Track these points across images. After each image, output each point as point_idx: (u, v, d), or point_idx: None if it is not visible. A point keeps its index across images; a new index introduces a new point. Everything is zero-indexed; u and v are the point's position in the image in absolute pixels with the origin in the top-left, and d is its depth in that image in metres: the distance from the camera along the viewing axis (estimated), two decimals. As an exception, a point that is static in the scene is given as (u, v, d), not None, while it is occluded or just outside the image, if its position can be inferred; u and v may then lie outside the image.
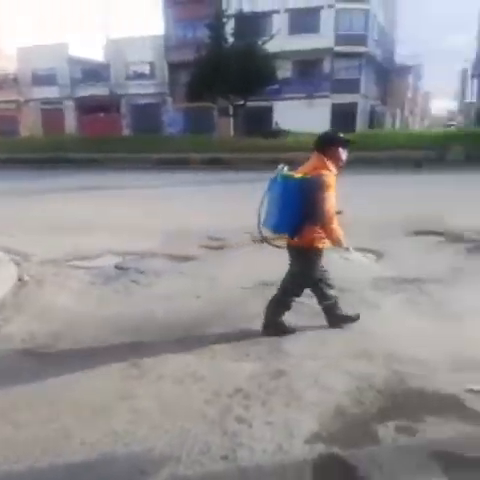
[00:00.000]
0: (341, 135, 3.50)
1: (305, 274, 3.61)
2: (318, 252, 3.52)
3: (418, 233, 7.14)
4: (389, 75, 39.52)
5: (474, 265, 5.55)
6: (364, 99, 33.16)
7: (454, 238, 6.74)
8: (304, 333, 3.76)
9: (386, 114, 41.11)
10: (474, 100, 39.44)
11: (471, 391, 2.87)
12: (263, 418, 2.70)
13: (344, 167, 3.54)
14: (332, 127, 28.59)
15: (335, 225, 3.37)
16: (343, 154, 3.45)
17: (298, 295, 3.72)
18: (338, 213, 3.58)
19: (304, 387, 2.99)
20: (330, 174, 3.33)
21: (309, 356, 3.39)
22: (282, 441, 2.50)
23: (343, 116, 30.18)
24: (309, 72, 32.84)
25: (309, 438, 2.52)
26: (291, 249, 3.58)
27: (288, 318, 3.78)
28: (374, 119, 35.40)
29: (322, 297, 3.74)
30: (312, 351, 3.47)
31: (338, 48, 31.42)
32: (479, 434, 2.51)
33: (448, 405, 2.76)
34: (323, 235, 3.42)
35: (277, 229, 3.42)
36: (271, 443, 2.49)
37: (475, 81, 38.81)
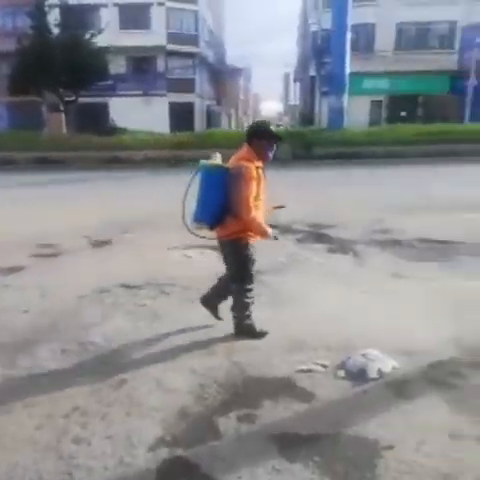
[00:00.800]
0: (271, 129, 3.37)
1: (239, 267, 3.48)
2: (245, 245, 3.40)
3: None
4: (222, 76, 41.18)
5: (304, 254, 6.05)
6: (200, 99, 34.04)
7: (285, 230, 7.26)
8: (145, 337, 3.66)
9: (222, 114, 42.82)
10: (298, 102, 43.39)
11: (301, 371, 3.10)
12: (103, 433, 2.54)
13: (270, 161, 3.41)
14: (171, 126, 28.81)
15: (253, 216, 3.25)
16: (269, 149, 3.34)
17: (248, 288, 3.55)
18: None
19: (146, 393, 2.90)
20: (251, 165, 3.23)
21: (151, 360, 3.30)
22: (124, 454, 2.38)
23: (181, 115, 30.61)
24: (144, 69, 32.55)
25: (152, 445, 2.44)
26: (220, 243, 3.51)
27: (124, 323, 3.64)
28: (211, 119, 36.58)
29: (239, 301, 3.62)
30: (154, 354, 3.39)
31: (171, 47, 31.72)
32: (309, 411, 2.71)
33: (282, 387, 2.94)
34: (249, 227, 3.32)
35: (197, 219, 3.27)
36: (112, 458, 2.35)
37: (298, 85, 42.72)
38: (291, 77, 32.50)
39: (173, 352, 3.42)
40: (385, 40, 27.54)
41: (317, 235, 7.09)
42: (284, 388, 2.93)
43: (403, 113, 26.95)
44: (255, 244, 3.50)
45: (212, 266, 4.81)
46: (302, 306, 4.24)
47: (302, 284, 4.85)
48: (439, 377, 3.01)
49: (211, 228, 3.35)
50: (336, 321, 3.86)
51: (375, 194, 10.42)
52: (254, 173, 3.23)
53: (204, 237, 3.51)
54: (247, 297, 3.55)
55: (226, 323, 3.75)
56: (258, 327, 3.63)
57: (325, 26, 23.85)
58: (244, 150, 3.34)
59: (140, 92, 31.08)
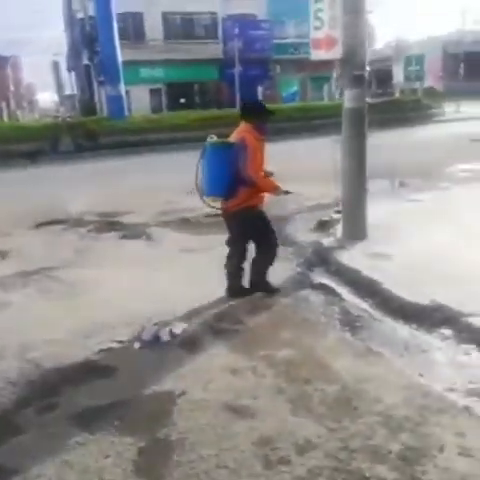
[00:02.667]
0: (266, 106, 3.84)
1: (260, 230, 3.83)
2: (256, 210, 3.77)
3: (42, 224, 7.18)
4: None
5: (95, 245, 6.06)
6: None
7: (76, 223, 7.13)
8: None
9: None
10: (75, 92, 41.38)
11: (101, 351, 3.24)
12: None
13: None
14: None
15: (262, 175, 3.66)
16: (265, 123, 3.78)
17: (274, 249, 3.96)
18: (270, 174, 3.85)
19: None
20: (252, 138, 3.58)
21: None
22: None
23: None
24: None
25: None
26: (231, 214, 3.77)
27: None
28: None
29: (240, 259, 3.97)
30: None
31: None
32: (110, 384, 2.89)
33: (83, 370, 3.04)
34: (257, 193, 3.69)
35: (212, 192, 3.67)
36: None
37: (73, 74, 40.66)
38: (62, 66, 30.92)
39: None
40: (154, 29, 28.14)
41: (109, 223, 7.14)
42: (85, 371, 3.04)
43: (182, 100, 28.19)
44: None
45: None
46: (95, 293, 4.33)
47: (95, 273, 4.90)
48: (221, 327, 3.49)
49: (226, 199, 3.69)
50: (130, 300, 4.07)
51: (162, 179, 10.80)
52: (258, 145, 3.62)
53: (214, 207, 3.84)
54: (274, 254, 3.95)
55: (20, 322, 3.61)
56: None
57: (91, 13, 23.22)
58: (243, 126, 3.70)
59: None
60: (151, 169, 12.92)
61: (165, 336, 3.33)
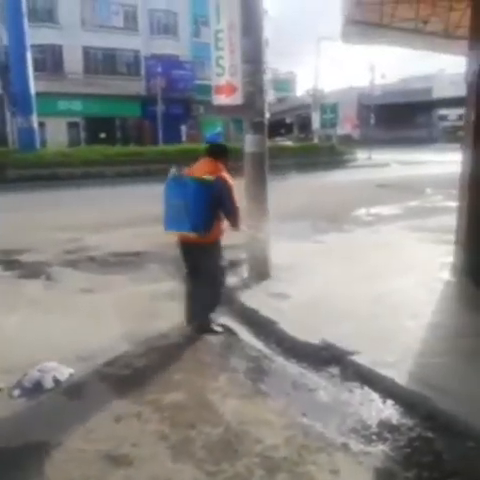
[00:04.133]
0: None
1: (217, 264, 4.01)
2: (219, 243, 4.04)
3: None
4: None
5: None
6: None
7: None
8: None
9: None
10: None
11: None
12: None
13: None
14: None
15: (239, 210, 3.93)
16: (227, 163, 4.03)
17: (223, 284, 4.19)
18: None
19: None
20: (229, 177, 3.85)
21: None
22: None
23: None
24: None
25: None
26: (194, 247, 3.89)
27: None
28: None
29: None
30: None
31: None
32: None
33: None
34: (222, 228, 3.97)
35: (195, 228, 3.69)
36: None
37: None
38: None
39: None
40: (74, 62, 27.84)
41: (7, 262, 6.72)
42: None
43: (102, 135, 27.83)
44: None
45: None
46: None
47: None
48: (111, 372, 3.37)
49: (205, 234, 3.75)
50: (16, 345, 3.81)
51: (70, 215, 10.44)
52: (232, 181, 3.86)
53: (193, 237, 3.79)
54: (220, 293, 4.15)
55: None
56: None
57: (6, 43, 22.56)
58: (211, 164, 3.88)
59: None
60: (60, 204, 12.48)
61: (48, 383, 3.14)
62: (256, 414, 2.85)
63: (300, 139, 34.64)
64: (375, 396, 3.07)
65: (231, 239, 7.24)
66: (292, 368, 3.48)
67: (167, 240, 6.71)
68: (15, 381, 3.20)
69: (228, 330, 4.13)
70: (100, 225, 9.03)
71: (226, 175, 3.86)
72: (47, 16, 26.71)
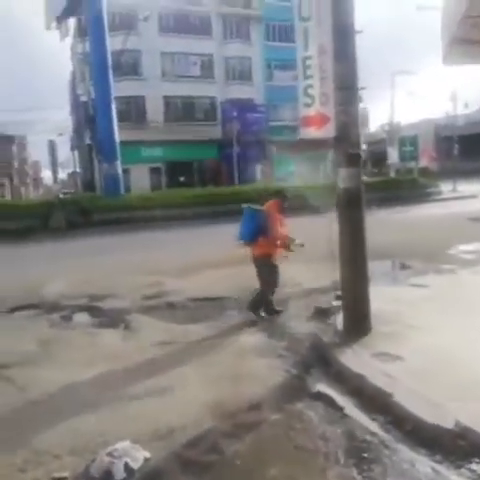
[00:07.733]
0: (286, 193, 5.84)
1: (268, 277, 5.54)
2: (271, 260, 5.53)
3: (16, 309, 6.58)
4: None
5: (64, 336, 5.38)
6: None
7: (51, 307, 6.52)
8: None
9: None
10: (78, 170, 42.40)
11: None
12: None
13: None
14: None
15: (280, 233, 5.46)
16: (283, 204, 5.68)
17: (267, 295, 5.63)
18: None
19: None
20: (275, 210, 5.51)
21: None
22: None
23: None
24: None
25: None
26: (254, 259, 5.59)
27: None
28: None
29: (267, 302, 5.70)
30: None
31: None
32: None
33: None
34: (274, 248, 5.51)
35: (242, 238, 5.54)
36: None
37: (76, 152, 41.88)
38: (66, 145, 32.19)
39: None
40: (155, 111, 29.18)
41: (86, 308, 6.51)
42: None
43: (182, 178, 28.60)
44: None
45: None
46: (44, 403, 3.60)
47: (51, 375, 4.17)
48: (193, 458, 2.76)
49: (249, 243, 5.54)
50: (84, 414, 3.34)
51: (152, 257, 10.29)
52: (277, 214, 5.51)
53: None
54: (271, 294, 5.66)
55: None
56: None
57: (94, 96, 24.12)
58: (272, 202, 5.61)
59: None
60: (141, 247, 12.46)
61: (119, 473, 2.59)
62: None
63: (374, 174, 33.36)
64: None
65: (320, 281, 6.69)
66: (422, 463, 2.67)
67: (247, 284, 6.30)
68: (81, 468, 2.69)
69: (329, 401, 3.41)
70: (180, 268, 8.69)
71: (273, 209, 5.53)
72: (131, 69, 28.38)
